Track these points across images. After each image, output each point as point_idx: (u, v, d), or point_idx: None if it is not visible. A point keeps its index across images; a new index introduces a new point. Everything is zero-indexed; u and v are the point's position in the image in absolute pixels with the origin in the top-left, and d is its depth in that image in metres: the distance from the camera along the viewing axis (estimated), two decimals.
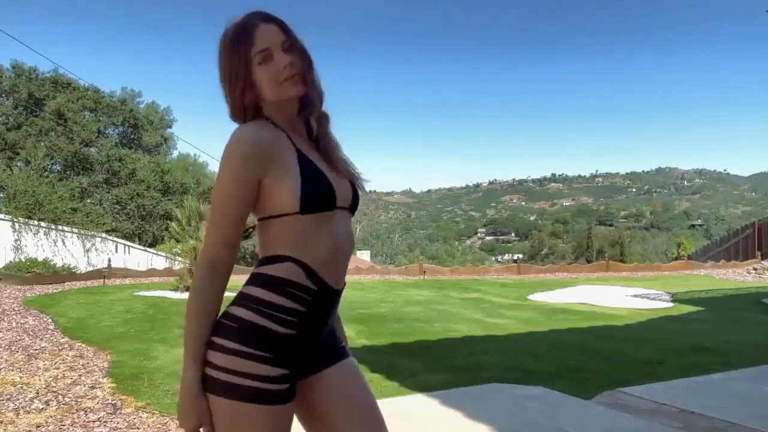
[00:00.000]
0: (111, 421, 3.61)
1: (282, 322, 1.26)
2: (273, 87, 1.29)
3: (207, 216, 1.56)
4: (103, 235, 20.76)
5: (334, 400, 1.37)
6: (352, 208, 1.38)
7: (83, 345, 6.18)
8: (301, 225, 1.27)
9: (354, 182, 1.41)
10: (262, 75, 1.29)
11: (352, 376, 1.42)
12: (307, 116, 1.39)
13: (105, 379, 4.70)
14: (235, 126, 1.32)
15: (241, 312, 1.27)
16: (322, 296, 1.31)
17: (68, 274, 15.09)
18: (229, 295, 1.30)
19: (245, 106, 1.32)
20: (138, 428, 3.51)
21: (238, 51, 1.29)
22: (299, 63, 1.31)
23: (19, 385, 4.46)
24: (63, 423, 3.57)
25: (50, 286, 13.14)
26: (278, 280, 1.27)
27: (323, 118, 1.42)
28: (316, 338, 1.35)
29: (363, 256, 43.78)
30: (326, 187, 1.30)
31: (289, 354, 1.28)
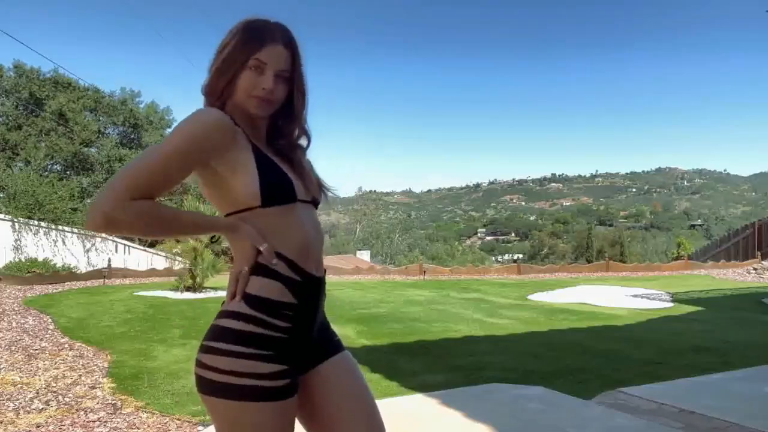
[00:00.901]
0: (111, 421, 3.61)
1: (277, 316, 1.28)
2: (243, 94, 1.34)
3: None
4: (103, 235, 20.74)
5: (332, 395, 1.39)
6: (315, 202, 1.44)
7: (83, 345, 6.18)
8: (266, 218, 1.30)
9: (315, 182, 1.48)
10: (244, 79, 1.33)
11: (348, 371, 1.44)
12: (277, 144, 1.44)
13: (105, 379, 4.70)
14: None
15: (234, 314, 1.27)
16: (308, 285, 1.34)
17: (68, 274, 15.10)
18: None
19: (220, 93, 1.36)
20: (138, 428, 3.51)
21: (243, 49, 1.33)
22: (280, 95, 1.37)
23: (19, 385, 4.46)
24: (63, 423, 3.57)
25: (50, 286, 13.14)
26: (267, 271, 1.30)
27: (298, 146, 1.49)
28: (310, 330, 1.37)
29: (363, 256, 43.77)
30: (283, 180, 1.33)
31: (287, 349, 1.29)
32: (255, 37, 1.33)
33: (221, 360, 1.24)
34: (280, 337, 1.28)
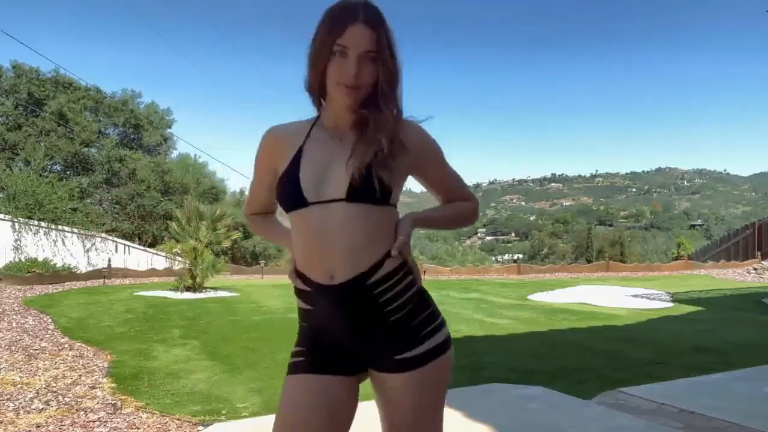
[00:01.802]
0: (111, 421, 3.61)
1: (300, 313, 1.43)
2: (332, 84, 1.31)
3: None
4: (103, 235, 20.75)
5: (379, 404, 1.43)
6: (351, 197, 1.28)
7: (83, 345, 6.18)
8: (290, 221, 1.38)
9: (358, 173, 1.30)
10: (332, 67, 1.29)
11: (397, 399, 1.36)
12: (360, 128, 1.33)
13: (105, 379, 4.70)
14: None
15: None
16: (320, 294, 1.32)
17: (68, 274, 15.10)
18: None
19: (317, 87, 1.36)
20: (138, 428, 3.51)
21: (328, 36, 1.29)
22: (367, 78, 1.29)
23: (19, 385, 4.46)
24: (63, 423, 3.57)
25: (50, 286, 13.14)
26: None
27: (367, 131, 1.34)
28: (341, 334, 1.35)
29: None
30: (291, 186, 1.33)
31: (307, 338, 1.41)
32: (336, 21, 1.28)
33: None
34: (302, 329, 1.45)
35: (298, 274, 1.37)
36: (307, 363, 1.36)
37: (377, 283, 1.29)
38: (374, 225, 1.30)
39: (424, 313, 1.37)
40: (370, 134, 1.31)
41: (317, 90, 1.36)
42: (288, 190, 1.34)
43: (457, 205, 1.51)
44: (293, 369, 1.39)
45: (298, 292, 1.38)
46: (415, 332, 1.34)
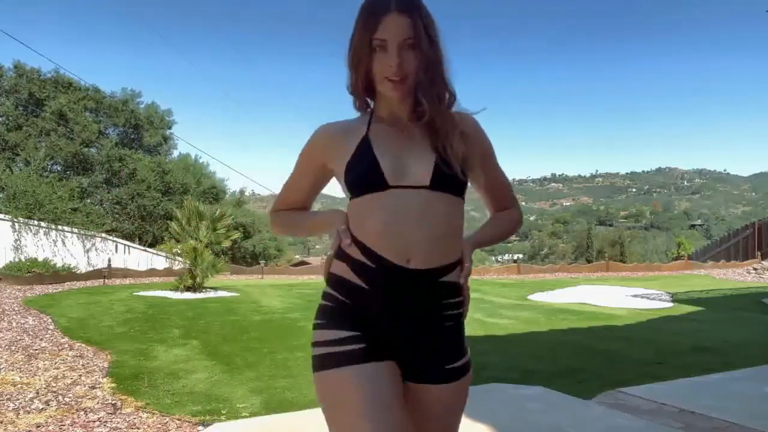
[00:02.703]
0: (111, 421, 3.61)
1: (347, 295, 1.29)
2: (379, 79, 1.29)
3: None
4: (103, 235, 20.75)
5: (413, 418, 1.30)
6: (434, 185, 1.27)
7: (83, 345, 6.18)
8: (356, 205, 1.31)
9: (439, 161, 1.29)
10: (376, 63, 1.27)
11: (438, 409, 1.32)
12: (418, 120, 1.32)
13: (105, 379, 4.70)
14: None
15: (322, 293, 1.36)
16: (383, 272, 1.26)
17: (68, 274, 15.09)
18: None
19: (358, 88, 1.33)
20: (138, 428, 3.51)
21: (364, 33, 1.27)
22: (411, 66, 1.26)
23: (19, 385, 4.46)
24: (63, 423, 3.57)
25: (50, 286, 13.14)
26: (343, 254, 1.31)
27: (425, 118, 1.32)
28: (391, 318, 1.27)
29: None
30: (369, 168, 1.28)
31: (360, 318, 1.27)
32: (370, 15, 1.26)
33: (313, 334, 1.32)
34: (350, 308, 1.28)
35: (363, 250, 1.27)
36: (368, 349, 1.24)
37: (446, 285, 1.29)
38: (453, 216, 1.30)
39: (463, 324, 1.38)
40: (438, 125, 1.30)
41: (362, 91, 1.34)
42: (365, 170, 1.29)
43: (504, 220, 1.52)
44: (354, 357, 1.23)
45: (355, 266, 1.28)
46: (461, 342, 1.35)
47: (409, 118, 1.34)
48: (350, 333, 1.25)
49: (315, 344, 1.28)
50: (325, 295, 1.33)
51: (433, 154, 1.29)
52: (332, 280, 1.32)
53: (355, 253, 1.28)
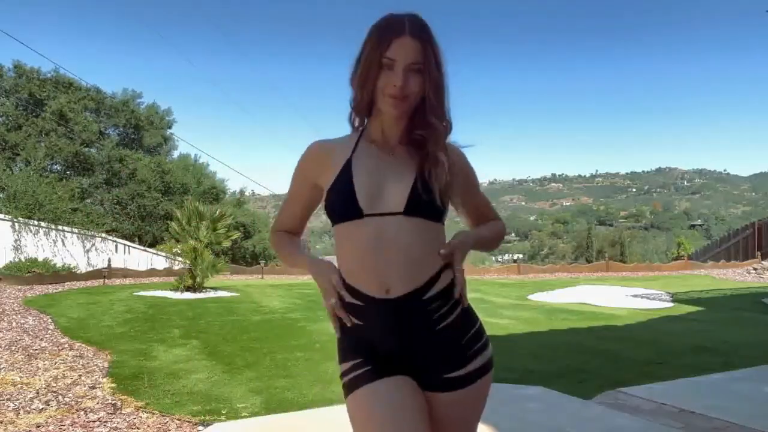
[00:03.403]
0: (111, 421, 3.61)
1: (345, 328, 1.36)
2: (380, 94, 1.31)
3: None
4: (103, 235, 20.73)
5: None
6: (409, 211, 1.29)
7: (83, 345, 6.18)
8: (338, 234, 1.35)
9: (419, 185, 1.32)
10: (381, 80, 1.30)
11: (441, 417, 1.35)
12: (409, 143, 1.36)
13: (105, 379, 4.70)
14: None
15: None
16: (370, 306, 1.29)
17: (68, 274, 15.09)
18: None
19: (362, 106, 1.36)
20: (138, 428, 3.51)
21: (375, 52, 1.29)
22: (415, 91, 1.29)
23: (19, 385, 4.46)
24: (63, 423, 3.57)
25: (50, 286, 13.14)
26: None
27: (421, 144, 1.36)
28: (391, 339, 1.31)
29: None
30: (346, 196, 1.30)
31: (361, 348, 1.33)
32: (383, 35, 1.29)
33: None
34: (355, 339, 1.35)
35: (347, 288, 1.32)
36: (373, 370, 1.30)
37: (433, 298, 1.30)
38: (429, 240, 1.31)
39: (471, 330, 1.37)
40: (430, 149, 1.33)
41: (365, 109, 1.36)
42: (342, 198, 1.31)
43: (494, 226, 1.55)
44: (361, 380, 1.30)
45: (347, 307, 1.32)
46: (464, 350, 1.35)
47: (399, 140, 1.37)
48: (359, 359, 1.32)
49: (340, 377, 1.37)
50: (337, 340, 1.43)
51: (412, 178, 1.31)
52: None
53: (345, 296, 1.32)
